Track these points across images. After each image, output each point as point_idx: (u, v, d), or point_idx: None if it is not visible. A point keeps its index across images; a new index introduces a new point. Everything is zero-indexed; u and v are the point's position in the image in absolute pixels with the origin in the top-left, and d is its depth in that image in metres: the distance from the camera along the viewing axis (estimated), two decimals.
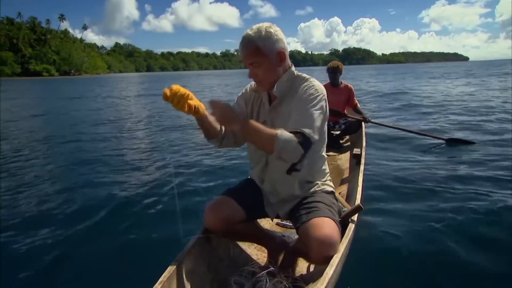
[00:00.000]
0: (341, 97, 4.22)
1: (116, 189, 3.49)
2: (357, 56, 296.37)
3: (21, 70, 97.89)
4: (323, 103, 1.38)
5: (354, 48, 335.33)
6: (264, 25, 1.38)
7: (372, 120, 4.53)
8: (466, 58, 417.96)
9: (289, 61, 1.45)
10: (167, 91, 1.20)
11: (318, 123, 1.33)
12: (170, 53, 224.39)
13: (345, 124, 4.21)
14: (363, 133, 3.90)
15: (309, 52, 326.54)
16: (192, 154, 4.95)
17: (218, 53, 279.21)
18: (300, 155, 1.29)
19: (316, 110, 1.34)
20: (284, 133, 1.26)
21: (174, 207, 2.30)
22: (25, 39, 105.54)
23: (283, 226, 2.14)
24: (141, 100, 16.02)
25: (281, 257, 1.66)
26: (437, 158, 4.26)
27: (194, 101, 1.26)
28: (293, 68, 1.47)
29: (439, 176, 3.50)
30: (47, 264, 2.19)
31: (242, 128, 1.24)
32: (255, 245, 1.88)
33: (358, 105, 4.38)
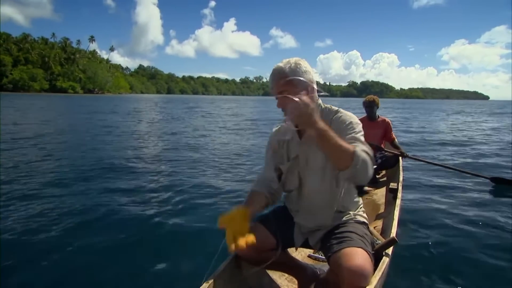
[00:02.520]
0: (378, 131, 4.07)
1: (144, 206, 3.49)
2: (375, 89, 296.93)
3: (48, 86, 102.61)
4: (361, 128, 1.40)
5: (372, 81, 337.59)
6: (293, 58, 1.44)
7: (410, 155, 4.29)
8: (487, 97, 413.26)
9: (316, 94, 1.47)
10: (222, 224, 1.34)
11: (366, 145, 1.35)
12: (190, 77, 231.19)
13: (381, 159, 4.02)
14: (401, 168, 3.71)
15: (327, 83, 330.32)
16: (222, 176, 4.84)
17: (237, 79, 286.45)
18: (371, 175, 1.29)
19: (361, 134, 1.38)
20: (361, 149, 1.25)
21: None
22: (56, 58, 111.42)
23: (315, 258, 2.07)
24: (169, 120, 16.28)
25: None
26: (479, 197, 3.98)
27: (243, 228, 1.34)
28: (320, 100, 1.50)
29: (480, 216, 3.27)
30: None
31: (320, 135, 1.22)
32: (286, 275, 1.83)
33: (396, 139, 4.18)
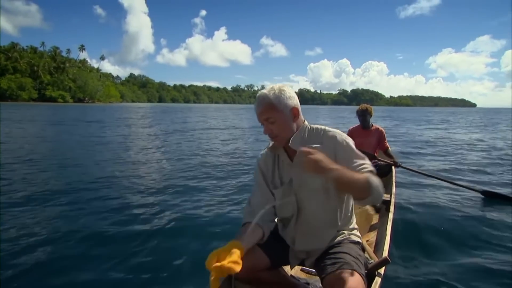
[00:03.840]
0: (371, 140, 4.06)
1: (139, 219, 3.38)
2: (365, 97, 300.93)
3: (37, 95, 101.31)
4: (353, 144, 1.44)
5: (362, 89, 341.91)
6: (277, 85, 1.47)
7: (403, 165, 4.28)
8: (474, 105, 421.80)
9: (302, 117, 1.50)
10: (213, 273, 1.21)
11: (366, 158, 1.40)
12: (182, 86, 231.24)
13: (375, 167, 3.96)
14: (393, 178, 3.70)
15: (318, 91, 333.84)
16: (211, 196, 4.72)
17: (228, 87, 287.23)
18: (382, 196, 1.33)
19: (357, 151, 1.41)
20: (371, 175, 1.29)
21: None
22: (45, 67, 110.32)
23: (308, 272, 2.04)
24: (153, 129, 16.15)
25: None
26: (470, 210, 3.96)
27: (234, 262, 1.23)
28: (306, 122, 1.52)
29: (472, 231, 3.27)
30: None
31: (336, 179, 1.21)
32: None
33: (390, 148, 4.17)
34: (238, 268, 1.22)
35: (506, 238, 3.15)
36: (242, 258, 1.27)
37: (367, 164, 1.37)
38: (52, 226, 3.33)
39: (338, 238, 1.51)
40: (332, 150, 1.40)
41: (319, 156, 1.21)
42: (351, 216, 1.59)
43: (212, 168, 6.55)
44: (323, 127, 1.50)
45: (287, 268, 1.85)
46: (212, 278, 1.21)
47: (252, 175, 1.95)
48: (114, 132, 14.64)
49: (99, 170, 6.22)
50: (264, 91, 1.46)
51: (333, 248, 1.46)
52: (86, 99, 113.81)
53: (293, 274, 1.87)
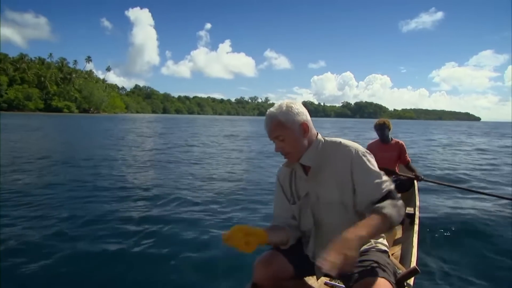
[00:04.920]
0: (392, 154, 3.97)
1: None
2: (368, 110, 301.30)
3: (43, 105, 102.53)
4: (370, 156, 1.40)
5: (366, 102, 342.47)
6: (285, 101, 1.45)
7: (426, 178, 4.18)
8: (478, 118, 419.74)
9: (314, 130, 1.47)
10: (226, 236, 1.28)
11: (383, 175, 1.38)
12: (186, 97, 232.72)
13: (395, 182, 3.88)
14: (416, 191, 3.64)
15: (322, 104, 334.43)
16: (232, 203, 4.70)
17: (232, 99, 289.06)
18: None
19: (373, 166, 1.38)
20: (388, 207, 1.27)
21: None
22: (52, 78, 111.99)
23: (332, 286, 2.01)
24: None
25: None
26: (501, 219, 3.88)
27: (253, 239, 1.30)
28: (319, 136, 1.49)
29: (504, 239, 3.21)
30: None
31: (362, 243, 1.20)
32: None
33: (411, 162, 4.08)
34: (244, 248, 1.27)
35: None
36: (261, 244, 1.33)
37: (385, 183, 1.34)
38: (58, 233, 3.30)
39: (365, 247, 1.46)
40: (348, 166, 1.37)
41: (344, 264, 1.10)
42: None
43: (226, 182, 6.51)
44: (338, 140, 1.46)
45: (311, 280, 1.83)
46: (225, 235, 1.28)
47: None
48: (120, 142, 14.70)
49: (106, 179, 6.21)
50: (272, 109, 1.44)
51: (360, 257, 1.36)
52: (92, 109, 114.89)
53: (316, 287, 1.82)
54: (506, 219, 3.85)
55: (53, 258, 2.79)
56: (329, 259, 1.09)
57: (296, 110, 1.42)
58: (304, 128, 1.42)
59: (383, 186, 1.34)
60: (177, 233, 3.38)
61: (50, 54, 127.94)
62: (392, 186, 1.37)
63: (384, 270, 1.32)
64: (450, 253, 2.92)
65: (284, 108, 1.42)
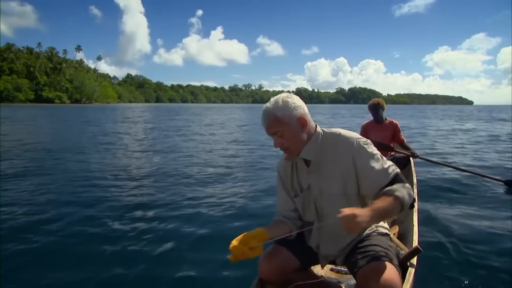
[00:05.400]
0: (386, 134, 4.01)
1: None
2: (362, 96, 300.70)
3: (34, 96, 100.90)
4: (370, 144, 1.41)
5: (359, 87, 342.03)
6: (281, 96, 1.43)
7: (421, 156, 4.22)
8: (471, 102, 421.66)
9: (312, 123, 1.46)
10: (232, 258, 1.32)
11: (387, 160, 1.40)
12: (179, 86, 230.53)
13: (392, 161, 3.93)
14: (413, 169, 3.66)
15: (316, 90, 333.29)
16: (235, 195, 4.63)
17: (226, 87, 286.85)
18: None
19: (376, 153, 1.39)
20: (398, 189, 1.29)
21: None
22: (42, 68, 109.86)
23: (338, 271, 2.00)
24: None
25: None
26: (494, 200, 3.97)
27: (253, 242, 1.33)
28: (318, 128, 1.48)
29: (497, 221, 3.29)
30: None
31: (373, 221, 1.25)
32: None
33: (405, 140, 4.13)
34: (253, 254, 1.32)
35: None
36: (265, 242, 1.37)
37: (391, 167, 1.36)
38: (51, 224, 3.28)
39: (366, 232, 1.48)
40: (350, 156, 1.38)
41: (354, 219, 1.18)
42: None
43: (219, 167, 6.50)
44: (338, 131, 1.45)
45: (317, 269, 1.83)
46: (230, 257, 1.32)
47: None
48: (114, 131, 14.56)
49: (101, 169, 6.16)
50: (268, 104, 1.42)
51: (362, 242, 1.43)
52: (83, 99, 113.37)
53: (323, 275, 1.84)
54: (500, 201, 3.94)
55: (48, 251, 2.78)
56: (344, 216, 1.17)
57: (293, 105, 1.39)
58: (302, 122, 1.41)
59: (390, 170, 1.35)
60: (178, 227, 3.30)
61: (39, 43, 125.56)
62: (398, 170, 1.36)
63: (386, 254, 1.33)
64: (447, 232, 2.97)
65: (280, 103, 1.39)
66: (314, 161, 1.46)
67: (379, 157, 1.38)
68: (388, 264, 1.27)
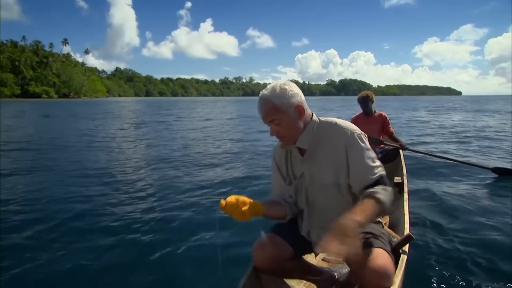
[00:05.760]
0: (375, 126, 4.05)
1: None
2: (353, 88, 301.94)
3: (20, 91, 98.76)
4: (365, 139, 1.40)
5: (350, 79, 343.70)
6: (278, 83, 1.40)
7: (410, 148, 4.27)
8: (459, 93, 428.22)
9: (309, 111, 1.45)
10: (223, 203, 1.29)
11: (376, 159, 1.38)
12: (169, 79, 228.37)
13: (382, 153, 4.01)
14: (402, 160, 3.72)
15: (306, 82, 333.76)
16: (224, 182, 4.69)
17: (216, 80, 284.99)
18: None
19: (368, 149, 1.38)
20: (380, 192, 1.29)
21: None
22: (27, 62, 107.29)
23: (329, 261, 2.07)
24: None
25: None
26: (481, 187, 4.06)
27: (249, 207, 1.32)
28: (315, 116, 1.46)
29: (486, 206, 3.38)
30: None
31: (359, 232, 1.21)
32: (304, 282, 1.84)
33: (394, 133, 4.16)
34: (243, 219, 1.31)
35: None
36: (259, 214, 1.38)
37: (378, 168, 1.35)
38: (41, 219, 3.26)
39: None
40: (343, 146, 1.37)
41: (342, 251, 1.12)
42: None
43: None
44: (334, 120, 1.44)
45: (309, 258, 1.87)
46: (222, 201, 1.29)
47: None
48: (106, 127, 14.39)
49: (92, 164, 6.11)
50: (265, 92, 1.39)
51: None
52: (72, 94, 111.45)
53: (315, 264, 1.88)
54: (488, 188, 4.06)
55: (40, 249, 2.75)
56: (333, 249, 1.11)
57: (291, 92, 1.37)
58: (299, 110, 1.39)
59: (376, 171, 1.34)
60: (172, 218, 3.32)
61: (23, 36, 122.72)
62: (384, 172, 1.36)
63: (380, 240, 1.34)
64: (436, 221, 3.04)
65: (278, 90, 1.37)
66: (309, 150, 1.45)
67: (371, 154, 1.37)
68: (381, 250, 1.28)
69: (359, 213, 1.21)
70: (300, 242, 1.54)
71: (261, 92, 1.42)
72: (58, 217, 3.35)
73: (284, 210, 1.53)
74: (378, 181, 1.33)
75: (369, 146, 1.39)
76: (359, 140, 1.37)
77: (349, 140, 1.37)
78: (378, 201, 1.26)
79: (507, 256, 2.37)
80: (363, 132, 1.41)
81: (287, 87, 1.38)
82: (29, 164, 6.29)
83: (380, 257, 1.25)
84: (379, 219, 1.52)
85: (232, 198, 1.31)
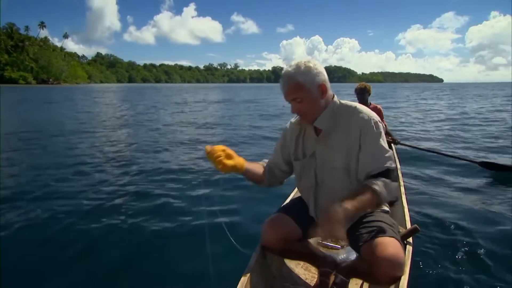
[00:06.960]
0: None
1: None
2: (338, 75, 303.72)
3: None
4: (381, 128, 1.38)
5: (335, 66, 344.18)
6: (302, 60, 1.37)
7: (402, 142, 4.31)
8: (441, 80, 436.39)
9: (331, 92, 1.41)
10: (208, 148, 1.32)
11: (389, 151, 1.36)
12: (152, 65, 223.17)
13: None
14: (395, 154, 3.76)
15: None
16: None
17: (201, 66, 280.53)
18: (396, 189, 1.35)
19: (382, 138, 1.36)
20: (379, 184, 1.29)
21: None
22: (1, 45, 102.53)
23: (325, 246, 2.07)
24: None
25: (332, 277, 1.60)
26: (469, 180, 4.16)
27: (232, 161, 1.35)
28: (335, 98, 1.44)
29: (474, 199, 3.47)
30: None
31: (349, 220, 1.28)
32: (302, 264, 1.85)
33: (387, 126, 4.17)
34: (224, 168, 1.33)
35: (503, 203, 3.39)
36: (238, 170, 1.40)
37: (387, 159, 1.33)
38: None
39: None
40: (358, 132, 1.35)
41: (331, 228, 1.20)
42: None
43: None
44: (354, 105, 1.42)
45: (312, 241, 1.86)
46: (208, 147, 1.33)
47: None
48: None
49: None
50: (289, 68, 1.35)
51: (366, 217, 1.41)
52: (51, 80, 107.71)
53: (319, 248, 1.85)
54: (476, 183, 4.13)
55: (31, 237, 2.70)
56: (321, 233, 1.23)
57: (315, 70, 1.34)
58: (322, 89, 1.36)
59: (384, 160, 1.32)
60: (165, 205, 3.31)
61: None
62: (394, 166, 1.35)
63: (391, 230, 1.33)
64: (436, 211, 3.10)
65: (302, 67, 1.33)
66: (324, 131, 1.42)
67: (383, 143, 1.35)
68: (393, 239, 1.27)
69: (351, 202, 1.23)
70: (308, 224, 1.53)
71: (284, 69, 1.39)
72: (36, 209, 3.21)
73: (263, 175, 1.55)
74: (383, 173, 1.31)
75: (384, 135, 1.37)
76: (374, 127, 1.35)
77: (365, 125, 1.35)
78: (374, 192, 1.26)
79: (495, 247, 2.43)
80: (381, 123, 1.39)
81: (311, 64, 1.34)
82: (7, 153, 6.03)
83: (393, 245, 1.24)
84: (388, 209, 1.51)
85: (219, 147, 1.34)
